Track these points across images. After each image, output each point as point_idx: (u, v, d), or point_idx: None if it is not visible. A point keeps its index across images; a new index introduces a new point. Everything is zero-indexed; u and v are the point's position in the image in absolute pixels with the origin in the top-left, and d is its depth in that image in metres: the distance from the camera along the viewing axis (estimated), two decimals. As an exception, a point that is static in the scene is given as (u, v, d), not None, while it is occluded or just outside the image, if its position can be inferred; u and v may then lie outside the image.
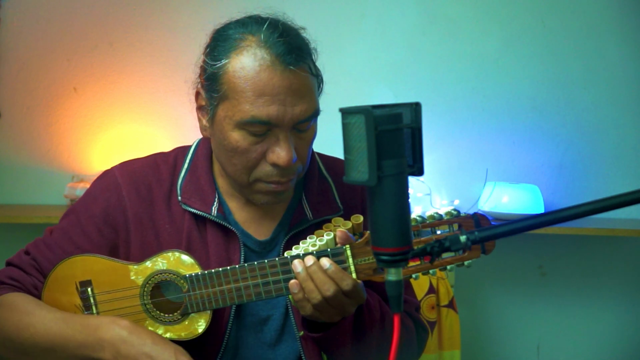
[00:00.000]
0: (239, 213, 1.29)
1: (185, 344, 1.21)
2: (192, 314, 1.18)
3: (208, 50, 1.20)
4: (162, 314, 1.19)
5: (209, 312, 1.18)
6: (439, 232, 1.10)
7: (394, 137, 0.77)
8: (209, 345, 1.24)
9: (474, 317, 2.80)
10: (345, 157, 0.79)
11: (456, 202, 2.72)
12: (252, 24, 1.18)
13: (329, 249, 1.12)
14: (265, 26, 1.16)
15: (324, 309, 1.11)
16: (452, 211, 1.10)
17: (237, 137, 1.16)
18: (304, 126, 1.18)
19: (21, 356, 1.18)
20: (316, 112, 1.18)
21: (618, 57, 2.73)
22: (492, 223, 1.09)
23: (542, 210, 2.57)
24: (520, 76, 2.75)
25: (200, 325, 1.18)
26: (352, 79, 2.71)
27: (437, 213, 1.09)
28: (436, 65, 2.76)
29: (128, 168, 1.30)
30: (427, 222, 1.10)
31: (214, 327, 1.23)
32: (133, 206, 1.25)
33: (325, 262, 1.10)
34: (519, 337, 2.84)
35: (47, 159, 2.76)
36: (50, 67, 2.75)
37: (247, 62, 1.14)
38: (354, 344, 1.19)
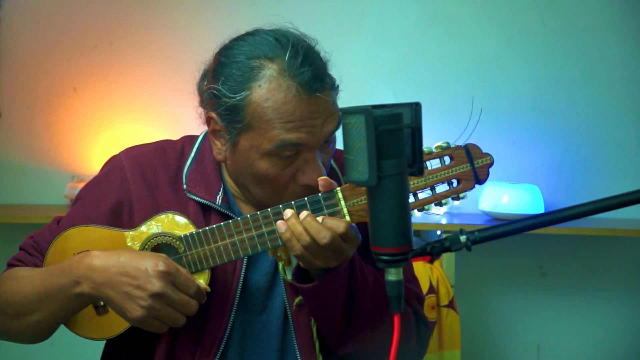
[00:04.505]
0: (244, 205, 1.29)
1: (187, 334, 1.20)
2: (192, 274, 1.18)
3: (222, 79, 1.16)
4: None
5: (207, 271, 1.18)
6: (429, 167, 1.09)
7: (394, 137, 0.77)
8: (211, 332, 1.23)
9: (474, 317, 2.80)
10: (345, 157, 0.79)
11: (456, 202, 2.72)
12: (266, 46, 1.15)
13: (320, 194, 1.11)
14: (287, 54, 1.13)
15: (318, 252, 1.09)
16: (442, 144, 1.09)
17: (266, 165, 1.16)
18: (330, 141, 1.19)
19: (17, 319, 1.20)
20: (339, 124, 1.18)
21: (618, 57, 2.73)
22: (483, 151, 1.09)
23: (542, 210, 2.57)
24: (520, 76, 2.75)
25: (200, 284, 1.18)
26: (352, 79, 2.71)
27: (427, 147, 1.07)
28: (436, 65, 2.76)
29: (134, 152, 1.31)
30: None
31: (217, 315, 1.22)
32: (137, 188, 1.26)
33: (319, 218, 1.09)
34: (519, 337, 2.84)
35: (47, 159, 2.76)
36: (50, 67, 2.75)
37: (272, 94, 1.12)
38: (346, 309, 1.17)
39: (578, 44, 2.74)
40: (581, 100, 2.75)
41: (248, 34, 1.21)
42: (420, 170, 0.81)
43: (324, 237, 1.07)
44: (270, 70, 1.13)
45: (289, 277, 1.19)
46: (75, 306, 1.17)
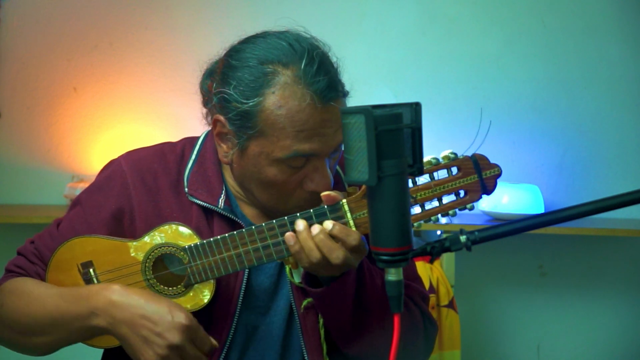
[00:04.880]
0: (246, 207, 1.28)
1: None
2: (196, 285, 1.17)
3: (234, 83, 1.14)
4: (166, 287, 1.18)
5: (212, 281, 1.17)
6: (437, 177, 1.08)
7: (394, 137, 0.77)
8: (215, 334, 1.21)
9: (474, 317, 2.80)
10: (345, 157, 0.79)
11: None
12: (279, 51, 1.13)
13: (325, 206, 1.10)
14: (303, 61, 1.11)
15: (326, 267, 1.08)
16: (450, 154, 1.07)
17: (275, 171, 1.15)
18: (339, 148, 1.18)
19: (25, 337, 1.19)
20: None
21: (618, 57, 2.73)
22: (491, 162, 1.08)
23: (542, 210, 2.57)
24: (520, 76, 2.75)
25: (205, 295, 1.18)
26: (352, 79, 2.70)
27: (434, 158, 1.06)
28: (436, 65, 2.76)
29: (134, 156, 1.29)
30: (425, 167, 1.06)
31: (221, 317, 1.22)
32: (138, 194, 1.24)
33: (328, 224, 1.07)
34: (519, 337, 2.84)
35: (47, 159, 2.76)
36: (50, 67, 2.75)
37: (286, 101, 1.10)
38: (355, 311, 1.17)
39: (578, 44, 2.74)
40: (581, 100, 2.75)
41: (258, 36, 1.19)
42: (420, 170, 0.81)
43: (337, 257, 1.06)
44: (284, 77, 1.11)
45: (297, 280, 1.19)
46: (88, 335, 1.17)
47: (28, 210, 2.60)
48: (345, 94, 1.18)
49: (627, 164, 2.75)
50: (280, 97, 1.11)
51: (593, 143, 2.75)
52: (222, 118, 1.17)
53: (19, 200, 2.75)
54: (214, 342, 1.14)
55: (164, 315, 1.08)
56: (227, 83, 1.15)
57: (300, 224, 1.09)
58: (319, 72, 1.12)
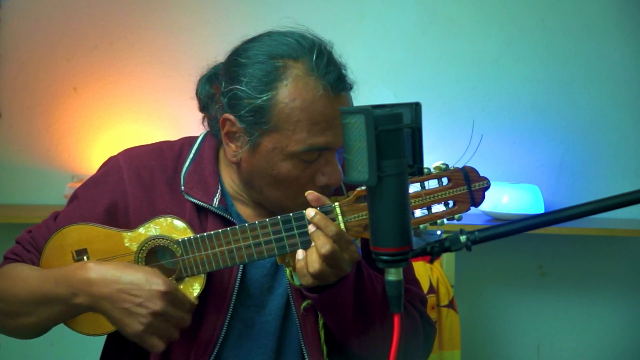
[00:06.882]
0: (242, 207, 1.29)
1: (184, 331, 1.20)
2: (187, 279, 1.19)
3: (245, 80, 1.15)
4: None
5: (202, 276, 1.19)
6: (427, 187, 1.10)
7: (394, 137, 0.77)
8: (207, 330, 1.23)
9: (474, 317, 2.80)
10: (345, 157, 0.79)
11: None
12: (287, 46, 1.16)
13: (317, 207, 1.12)
14: (314, 54, 1.14)
15: (322, 275, 1.10)
16: (441, 165, 1.10)
17: (288, 166, 1.16)
18: None
19: (12, 319, 1.20)
20: None
21: (618, 57, 2.73)
22: (480, 175, 1.10)
23: (542, 210, 2.57)
24: (520, 76, 2.75)
25: (195, 289, 1.19)
26: (352, 79, 2.70)
27: (426, 167, 1.07)
28: (436, 65, 2.76)
29: (132, 153, 1.31)
30: (417, 176, 1.08)
31: (214, 313, 1.23)
32: (133, 189, 1.26)
33: (310, 212, 1.10)
34: (519, 337, 2.84)
35: (47, 159, 2.76)
36: (50, 67, 2.75)
37: (300, 93, 1.13)
38: (356, 313, 1.18)
39: (578, 44, 2.74)
40: (581, 100, 2.75)
41: (263, 35, 1.21)
42: (420, 171, 0.81)
43: (323, 245, 1.08)
44: (296, 70, 1.14)
45: (296, 282, 1.19)
46: (72, 314, 1.18)
47: (28, 210, 2.60)
48: (351, 86, 1.21)
49: (627, 164, 2.75)
50: (294, 89, 1.13)
51: (593, 143, 2.75)
52: (231, 117, 1.18)
53: (19, 200, 2.75)
54: (193, 300, 1.15)
55: (142, 284, 1.10)
56: (238, 81, 1.16)
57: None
58: (329, 64, 1.15)
